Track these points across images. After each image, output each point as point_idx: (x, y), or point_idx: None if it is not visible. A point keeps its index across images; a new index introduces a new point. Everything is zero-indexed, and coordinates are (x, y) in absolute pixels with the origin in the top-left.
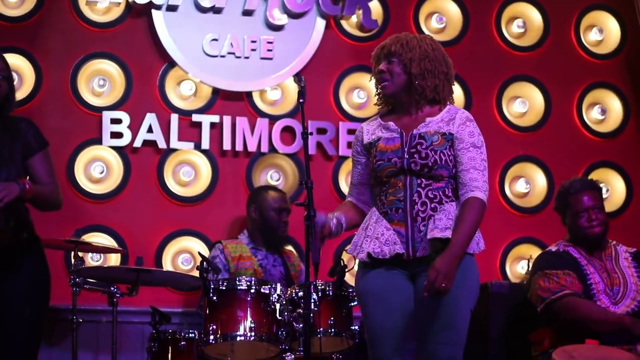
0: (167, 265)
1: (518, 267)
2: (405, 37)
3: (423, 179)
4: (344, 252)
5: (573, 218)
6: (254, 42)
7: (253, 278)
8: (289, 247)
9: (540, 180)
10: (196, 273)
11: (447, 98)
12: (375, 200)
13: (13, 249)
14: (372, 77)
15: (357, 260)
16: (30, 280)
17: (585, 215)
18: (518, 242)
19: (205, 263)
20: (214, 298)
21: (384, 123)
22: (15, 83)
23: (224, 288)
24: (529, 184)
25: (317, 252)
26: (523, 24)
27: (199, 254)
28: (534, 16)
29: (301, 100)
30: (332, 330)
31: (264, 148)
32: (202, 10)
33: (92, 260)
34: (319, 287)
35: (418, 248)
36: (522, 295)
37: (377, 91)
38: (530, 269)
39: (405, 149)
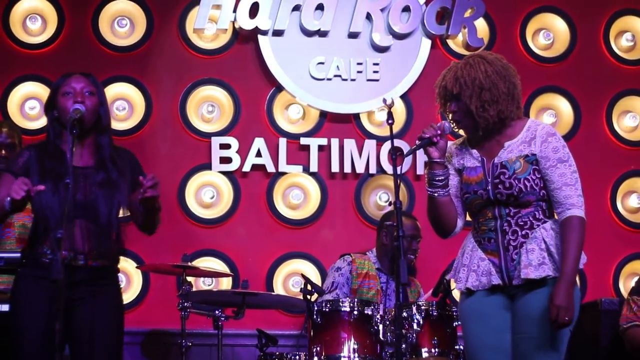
0: (277, 288)
1: (632, 284)
2: (462, 74)
3: (511, 208)
4: (447, 272)
5: None
6: (360, 64)
7: (356, 299)
8: (412, 277)
9: None
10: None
11: (515, 112)
12: (472, 227)
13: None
14: (443, 112)
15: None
16: (112, 305)
17: None
18: (631, 258)
19: (308, 285)
20: (318, 319)
21: (469, 150)
22: (126, 112)
23: (327, 310)
24: None
25: (406, 272)
26: (632, 37)
27: (302, 275)
28: None
29: (390, 122)
30: (436, 350)
31: (372, 169)
32: (308, 34)
33: (203, 284)
34: (422, 307)
35: (513, 277)
36: None
37: (454, 126)
38: (631, 289)
39: (489, 180)
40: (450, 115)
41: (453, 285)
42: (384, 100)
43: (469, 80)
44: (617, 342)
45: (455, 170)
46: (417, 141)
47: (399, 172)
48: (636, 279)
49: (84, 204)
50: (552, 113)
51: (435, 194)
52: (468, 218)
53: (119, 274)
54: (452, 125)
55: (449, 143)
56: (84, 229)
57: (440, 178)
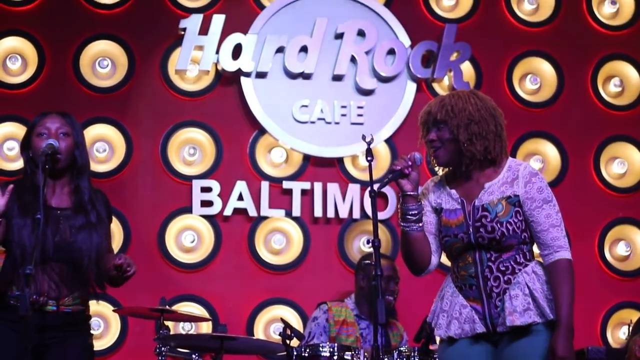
0: (258, 335)
1: (620, 333)
2: (449, 101)
3: (492, 252)
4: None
5: None
6: (344, 107)
7: (335, 344)
8: (393, 319)
9: None
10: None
11: (501, 155)
12: (451, 270)
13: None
14: (425, 144)
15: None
16: (82, 351)
17: None
18: (619, 306)
19: (288, 329)
20: None
21: (447, 189)
22: (106, 153)
23: (306, 355)
24: (629, 246)
25: (383, 313)
26: (620, 82)
27: (282, 319)
28: (631, 74)
29: (369, 159)
30: None
31: (356, 214)
32: (292, 76)
33: (183, 330)
34: (404, 353)
35: (497, 324)
36: None
37: (431, 159)
38: (630, 332)
39: (470, 223)
40: (430, 144)
41: None
42: (363, 137)
43: (457, 110)
44: None
45: (432, 208)
46: (388, 174)
47: (383, 218)
48: (635, 320)
49: (61, 247)
50: (539, 158)
51: (408, 229)
52: (444, 258)
53: (97, 319)
54: (432, 157)
55: (431, 180)
56: (59, 273)
57: (413, 212)
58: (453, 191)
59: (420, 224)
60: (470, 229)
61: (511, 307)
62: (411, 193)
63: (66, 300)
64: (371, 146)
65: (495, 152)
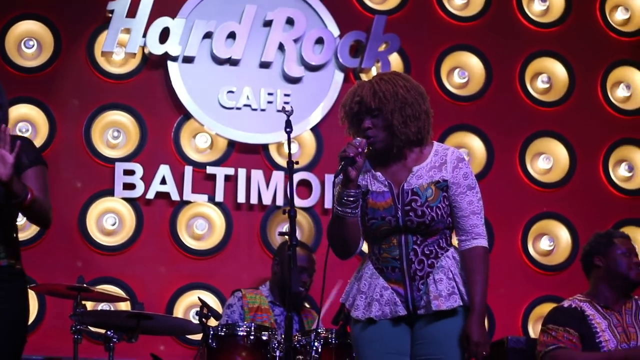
0: None
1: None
2: (379, 88)
3: (418, 235)
4: None
5: (615, 256)
6: (270, 94)
7: (253, 324)
8: (307, 305)
9: (564, 237)
10: None
11: (429, 133)
12: (369, 253)
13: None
14: (351, 132)
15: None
16: (8, 317)
17: (630, 257)
18: (541, 300)
19: (205, 309)
20: (213, 344)
21: (372, 171)
22: (29, 134)
23: (222, 334)
24: (552, 241)
25: (297, 281)
26: (548, 79)
27: (199, 299)
28: (559, 71)
29: (288, 130)
30: None
31: (280, 201)
32: (219, 62)
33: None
34: (322, 335)
35: (419, 306)
36: None
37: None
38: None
39: (399, 207)
40: (364, 132)
41: None
42: (283, 108)
43: (389, 95)
44: None
45: None
46: (340, 162)
47: (306, 205)
48: (549, 311)
49: None
50: (465, 152)
51: (344, 214)
52: None
53: None
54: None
55: None
56: None
57: (353, 198)
58: (379, 173)
59: (357, 210)
60: (399, 212)
61: (436, 291)
62: (354, 179)
63: None
64: (297, 133)
65: (426, 131)
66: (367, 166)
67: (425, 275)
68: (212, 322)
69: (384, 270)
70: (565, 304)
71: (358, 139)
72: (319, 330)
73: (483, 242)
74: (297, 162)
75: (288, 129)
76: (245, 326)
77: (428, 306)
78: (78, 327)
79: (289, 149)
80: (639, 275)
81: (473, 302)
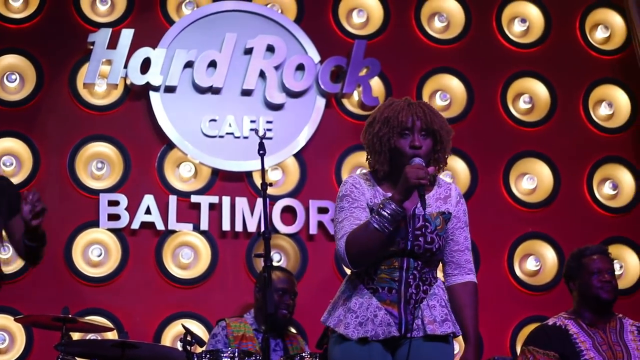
0: None
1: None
2: (428, 111)
3: (420, 262)
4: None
5: (585, 279)
6: (253, 121)
7: (237, 350)
8: (294, 331)
9: (550, 257)
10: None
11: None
12: (361, 272)
13: None
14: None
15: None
16: None
17: (598, 277)
18: (529, 320)
19: (188, 335)
20: None
21: (381, 191)
22: (13, 167)
23: None
24: (539, 261)
25: (272, 303)
26: (530, 99)
27: (183, 325)
28: (541, 91)
29: (261, 152)
30: None
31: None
32: (200, 90)
33: None
34: (306, 359)
35: (411, 329)
36: None
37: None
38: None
39: (410, 230)
40: (416, 149)
41: None
42: (256, 131)
43: (440, 121)
44: None
45: (367, 206)
46: (419, 191)
47: (291, 232)
48: (532, 329)
49: None
50: (449, 174)
51: (386, 230)
52: None
53: (2, 333)
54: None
55: (359, 177)
56: None
57: (401, 217)
58: (389, 194)
59: (392, 228)
60: (410, 236)
61: (430, 316)
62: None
63: None
64: (280, 160)
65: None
66: (373, 184)
67: (419, 300)
68: (197, 349)
69: (379, 290)
70: (550, 321)
71: (419, 160)
72: (303, 355)
73: (474, 278)
74: (271, 184)
75: (261, 151)
76: (229, 352)
77: (421, 329)
78: (64, 357)
79: (262, 170)
80: (609, 293)
81: (469, 334)
